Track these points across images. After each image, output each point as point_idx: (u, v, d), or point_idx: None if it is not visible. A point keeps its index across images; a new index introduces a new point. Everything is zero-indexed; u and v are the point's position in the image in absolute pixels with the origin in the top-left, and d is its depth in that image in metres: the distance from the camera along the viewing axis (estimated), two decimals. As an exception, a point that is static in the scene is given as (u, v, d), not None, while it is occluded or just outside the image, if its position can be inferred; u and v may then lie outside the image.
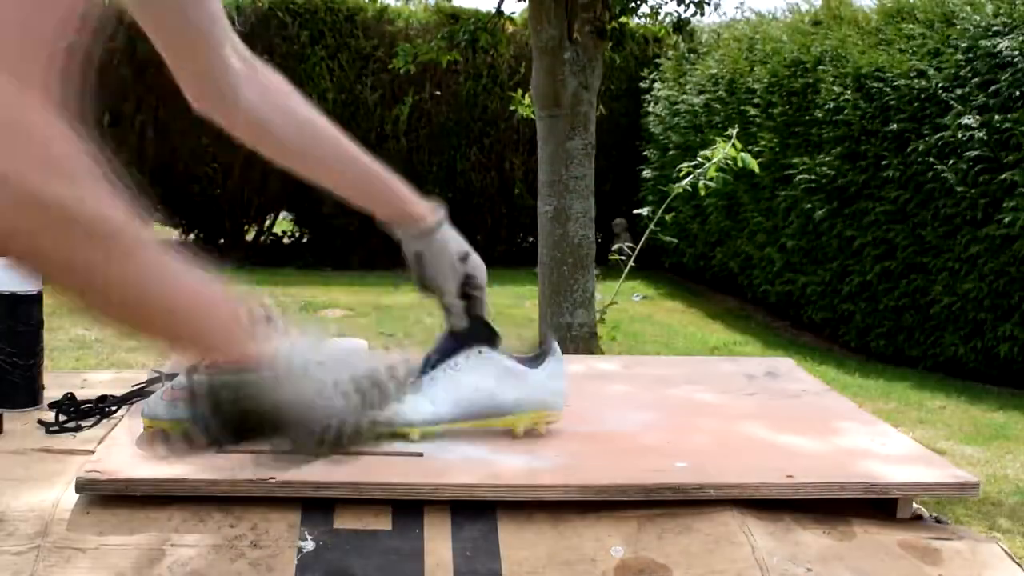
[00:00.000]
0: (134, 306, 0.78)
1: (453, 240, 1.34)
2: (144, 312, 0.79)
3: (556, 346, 1.37)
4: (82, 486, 1.15)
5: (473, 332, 1.34)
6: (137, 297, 0.77)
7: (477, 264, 1.36)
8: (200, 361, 0.85)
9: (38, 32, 0.67)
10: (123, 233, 0.74)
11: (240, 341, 0.84)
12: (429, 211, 1.33)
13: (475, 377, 1.30)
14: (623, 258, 4.53)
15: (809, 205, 6.54)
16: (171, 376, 1.52)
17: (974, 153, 5.42)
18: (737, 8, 18.17)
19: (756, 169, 4.26)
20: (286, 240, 9.38)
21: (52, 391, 1.46)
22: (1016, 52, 5.28)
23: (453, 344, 1.33)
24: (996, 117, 5.31)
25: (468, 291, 1.34)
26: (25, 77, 0.66)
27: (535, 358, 1.36)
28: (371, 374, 0.93)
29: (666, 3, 5.14)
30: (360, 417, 0.91)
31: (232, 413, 0.87)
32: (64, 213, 0.69)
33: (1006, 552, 1.20)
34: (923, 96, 5.75)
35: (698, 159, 4.34)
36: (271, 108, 1.23)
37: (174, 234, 9.50)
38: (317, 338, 0.94)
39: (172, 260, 0.78)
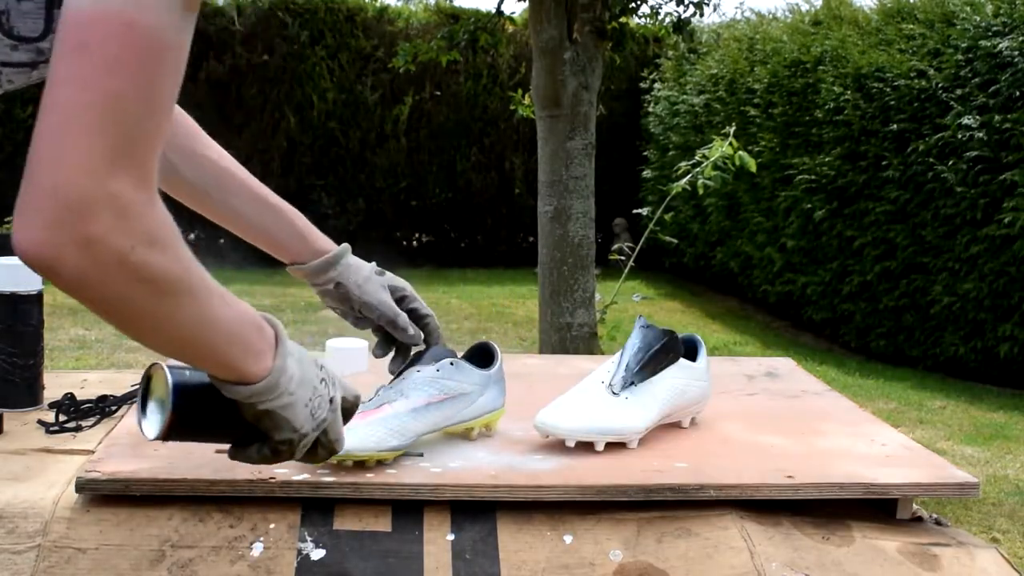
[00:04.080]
0: (183, 342, 0.89)
1: (363, 262, 1.33)
2: (187, 347, 0.90)
3: (494, 346, 1.38)
4: (82, 486, 1.15)
5: (429, 342, 1.34)
6: (182, 336, 0.88)
7: (396, 277, 1.36)
8: (221, 376, 0.94)
9: (145, 126, 0.79)
10: (183, 288, 0.85)
11: (261, 359, 0.94)
12: (332, 243, 1.32)
13: (456, 384, 1.30)
14: (623, 258, 4.53)
15: (809, 205, 6.54)
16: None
17: (974, 153, 5.42)
18: (737, 8, 18.16)
19: (753, 168, 4.25)
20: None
21: (52, 391, 1.46)
22: (1016, 52, 5.28)
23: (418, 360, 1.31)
24: (996, 117, 5.31)
25: (406, 303, 1.33)
26: (129, 161, 0.78)
27: (472, 357, 1.37)
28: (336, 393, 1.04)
29: (666, 3, 5.13)
30: (317, 431, 1.01)
31: (218, 414, 0.97)
32: (146, 274, 0.81)
33: (1005, 558, 1.20)
34: (923, 96, 5.75)
35: (696, 158, 4.33)
36: (174, 152, 1.23)
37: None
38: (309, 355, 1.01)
39: (212, 297, 0.89)
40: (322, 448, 1.03)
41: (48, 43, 0.92)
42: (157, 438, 0.98)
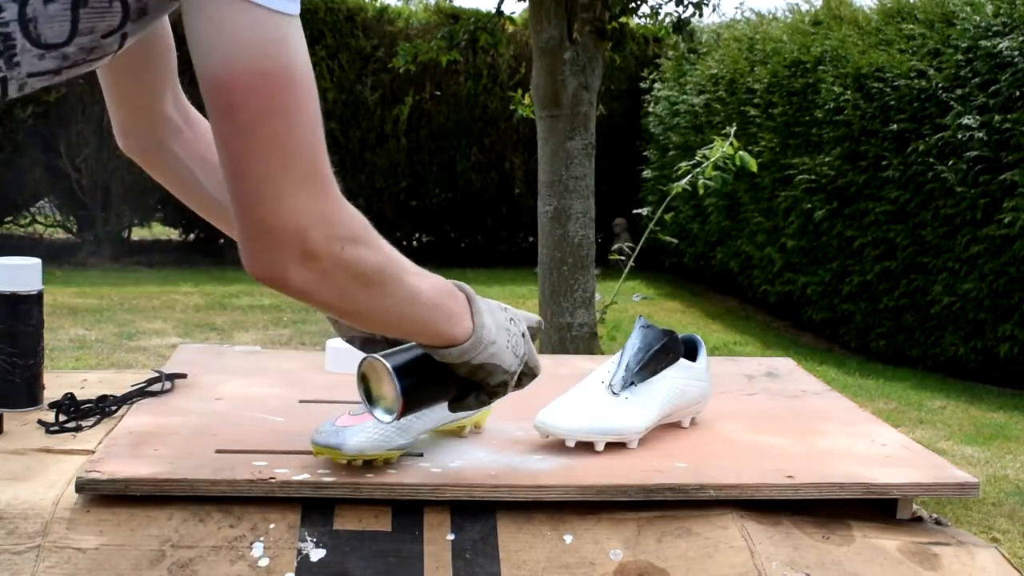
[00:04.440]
0: (396, 321, 1.03)
1: None
2: (402, 323, 1.04)
3: None
4: (82, 486, 1.15)
5: None
6: (397, 315, 1.02)
7: None
8: (432, 344, 1.07)
9: (308, 145, 0.90)
10: (387, 273, 0.98)
11: (462, 321, 1.06)
12: None
13: None
14: (623, 258, 4.53)
15: (809, 205, 6.54)
16: (171, 376, 1.53)
17: (974, 153, 5.41)
18: (737, 8, 18.15)
19: (754, 168, 4.24)
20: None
21: (52, 391, 1.46)
22: (1016, 52, 5.28)
23: None
24: (996, 117, 5.31)
25: None
26: (311, 178, 0.90)
27: None
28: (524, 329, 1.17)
29: (666, 3, 5.13)
30: (521, 364, 1.14)
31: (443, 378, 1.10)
32: (357, 269, 0.95)
33: (1005, 557, 1.20)
34: (923, 96, 5.75)
35: (697, 158, 4.32)
36: (194, 162, 1.26)
37: (174, 234, 9.51)
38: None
39: (411, 275, 1.01)
40: (525, 377, 1.17)
41: (73, 47, 0.93)
42: (395, 420, 1.13)
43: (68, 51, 0.93)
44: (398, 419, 1.12)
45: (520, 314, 1.17)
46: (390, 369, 1.09)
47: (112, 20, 0.93)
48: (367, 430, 1.19)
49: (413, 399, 1.11)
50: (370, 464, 1.20)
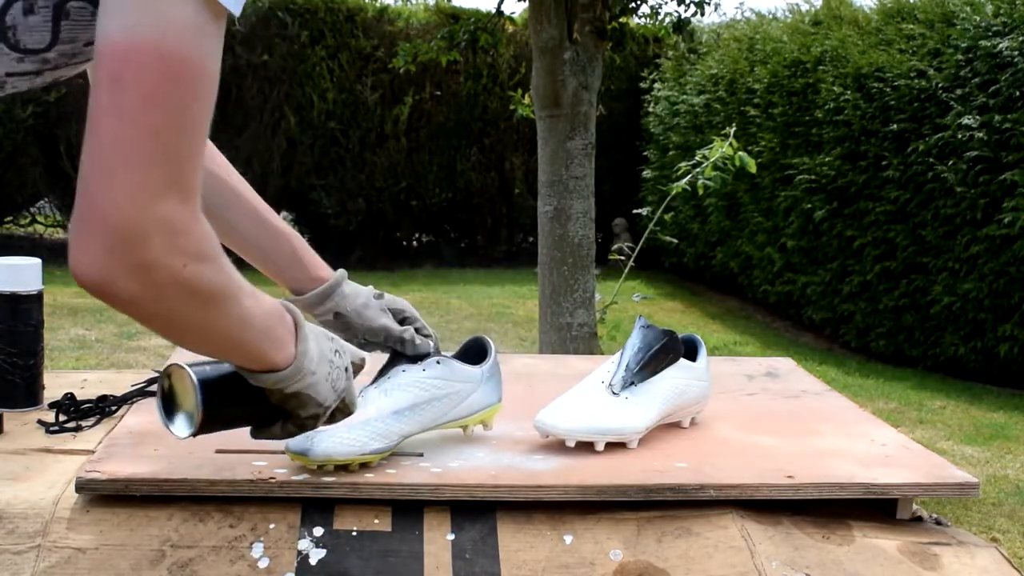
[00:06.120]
0: (222, 344, 0.95)
1: (360, 287, 1.32)
2: (227, 347, 0.95)
3: (488, 340, 1.36)
4: (82, 486, 1.15)
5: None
6: (224, 338, 0.93)
7: (395, 298, 1.34)
8: (250, 368, 0.99)
9: (185, 149, 0.82)
10: (226, 295, 0.89)
11: (285, 347, 0.99)
12: (329, 270, 1.31)
13: (443, 383, 1.28)
14: (623, 258, 4.52)
15: (809, 205, 6.54)
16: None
17: (974, 153, 5.41)
18: (737, 8, 18.15)
19: (753, 169, 4.24)
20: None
21: (52, 391, 1.46)
22: (1016, 52, 5.28)
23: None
24: (996, 117, 5.31)
25: (407, 324, 1.31)
26: (174, 184, 0.81)
27: (468, 352, 1.35)
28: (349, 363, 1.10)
29: (666, 3, 5.13)
30: (338, 400, 1.07)
31: (252, 402, 1.02)
32: (196, 288, 0.85)
33: (1005, 557, 1.20)
34: (923, 96, 5.75)
35: (697, 158, 4.32)
36: None
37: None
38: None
39: (248, 298, 0.92)
40: (339, 413, 1.09)
41: (54, 53, 0.93)
42: (190, 436, 1.02)
43: (49, 56, 0.93)
44: (195, 436, 1.02)
45: (347, 347, 1.10)
46: (196, 383, 0.99)
47: (94, 31, 0.93)
48: (337, 434, 1.17)
49: (213, 418, 1.01)
50: (346, 468, 1.19)
